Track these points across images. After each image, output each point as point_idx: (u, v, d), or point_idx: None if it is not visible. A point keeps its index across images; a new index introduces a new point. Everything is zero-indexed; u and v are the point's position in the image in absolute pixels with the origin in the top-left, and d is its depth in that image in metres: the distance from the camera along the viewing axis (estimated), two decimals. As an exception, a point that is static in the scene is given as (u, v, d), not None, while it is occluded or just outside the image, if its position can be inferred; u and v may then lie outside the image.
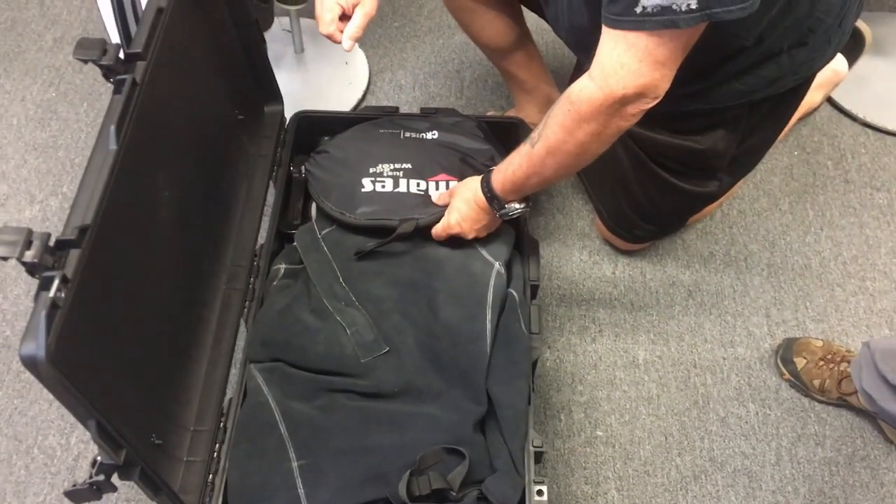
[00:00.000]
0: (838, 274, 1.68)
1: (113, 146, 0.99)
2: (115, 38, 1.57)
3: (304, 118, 1.60)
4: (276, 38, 1.97)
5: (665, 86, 1.04)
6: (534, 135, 1.17)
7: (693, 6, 0.94)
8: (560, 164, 1.16)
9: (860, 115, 1.90)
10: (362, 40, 2.08)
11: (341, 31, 1.28)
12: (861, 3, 1.29)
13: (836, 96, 1.92)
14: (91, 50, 1.03)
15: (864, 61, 1.83)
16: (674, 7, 0.95)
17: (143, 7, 1.24)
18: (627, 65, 1.01)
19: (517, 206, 1.29)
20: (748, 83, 1.27)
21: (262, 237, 1.45)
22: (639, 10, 0.96)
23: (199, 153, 1.35)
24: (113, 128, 0.99)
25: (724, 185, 1.49)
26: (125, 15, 1.54)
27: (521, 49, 1.68)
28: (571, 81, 1.57)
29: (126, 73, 1.06)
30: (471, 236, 1.33)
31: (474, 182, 1.31)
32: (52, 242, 0.86)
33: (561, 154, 1.14)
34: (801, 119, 1.88)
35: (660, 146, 1.43)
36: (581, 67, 1.41)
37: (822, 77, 1.63)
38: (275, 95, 1.63)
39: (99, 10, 1.54)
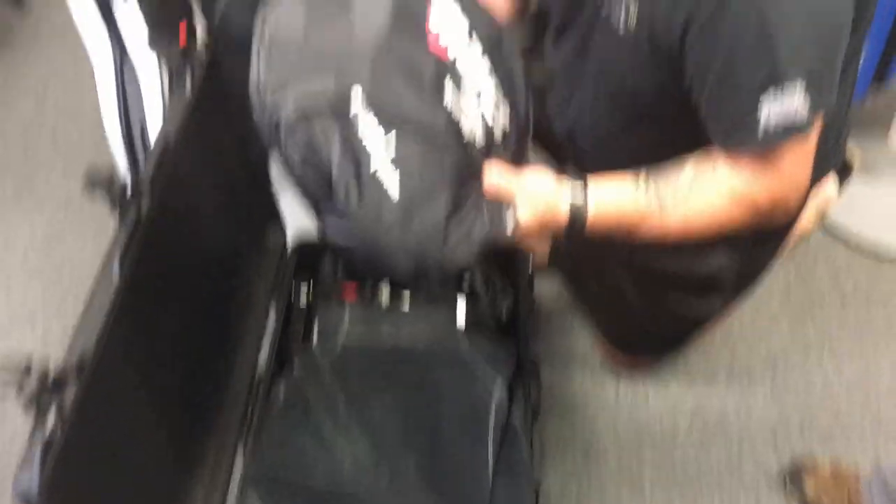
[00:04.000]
0: (842, 393, 1.66)
1: (116, 279, 1.00)
2: (122, 164, 1.61)
3: (306, 245, 1.63)
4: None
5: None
6: (658, 191, 1.07)
7: (809, 106, 0.95)
8: (686, 234, 1.09)
9: (853, 236, 1.93)
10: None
11: None
12: (850, 124, 1.33)
13: (828, 218, 1.95)
14: (100, 180, 1.06)
15: (853, 186, 1.87)
16: (796, 118, 0.95)
17: (152, 139, 1.29)
18: (781, 174, 1.01)
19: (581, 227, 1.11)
20: None
21: (263, 363, 1.45)
22: (761, 133, 0.96)
23: (200, 280, 1.37)
24: (116, 260, 1.01)
25: (727, 307, 1.49)
26: (134, 147, 1.59)
27: None
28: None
29: (132, 205, 1.08)
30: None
31: (557, 191, 1.08)
32: (50, 378, 0.87)
33: (696, 229, 1.08)
34: (795, 242, 1.90)
35: (664, 270, 1.44)
36: (582, 160, 1.37)
37: (814, 201, 1.66)
38: (277, 220, 1.66)
39: (109, 142, 1.59)
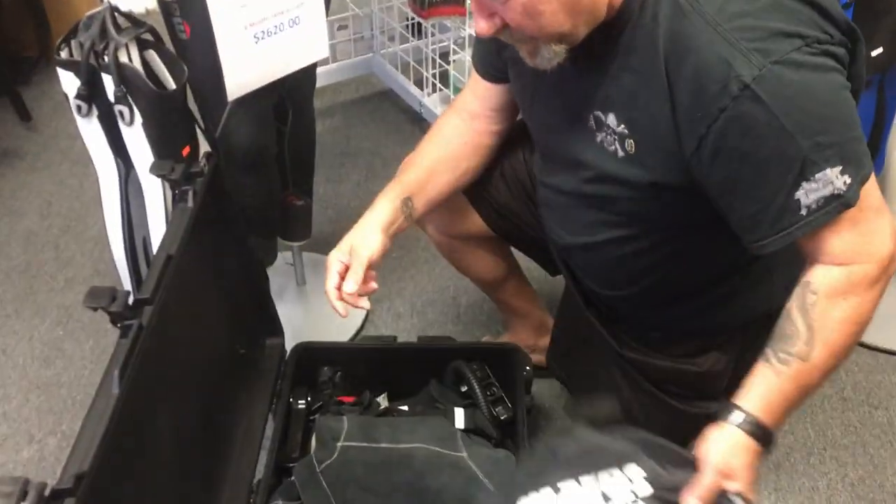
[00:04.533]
0: (847, 497, 1.64)
1: (115, 391, 1.01)
2: (125, 276, 1.64)
3: (305, 349, 1.64)
4: (279, 271, 2.05)
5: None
6: (794, 350, 1.06)
7: (850, 182, 0.98)
8: (842, 359, 1.09)
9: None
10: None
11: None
12: None
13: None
14: (101, 298, 1.08)
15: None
16: (837, 192, 0.98)
17: (154, 251, 1.32)
18: (863, 238, 1.03)
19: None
20: (759, 299, 1.31)
21: (260, 472, 1.43)
22: (804, 212, 1.00)
23: (200, 389, 1.37)
24: (117, 372, 1.02)
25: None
26: (136, 257, 1.62)
27: (511, 280, 1.75)
28: (564, 304, 1.63)
29: (133, 318, 1.10)
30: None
31: (727, 437, 1.07)
32: (48, 492, 0.86)
33: (844, 348, 1.07)
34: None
35: (659, 371, 1.45)
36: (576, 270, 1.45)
37: None
38: (276, 329, 1.68)
39: (111, 252, 1.62)
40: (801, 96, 0.97)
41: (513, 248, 1.72)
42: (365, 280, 1.30)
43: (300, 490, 1.36)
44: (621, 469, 1.04)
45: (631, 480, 1.03)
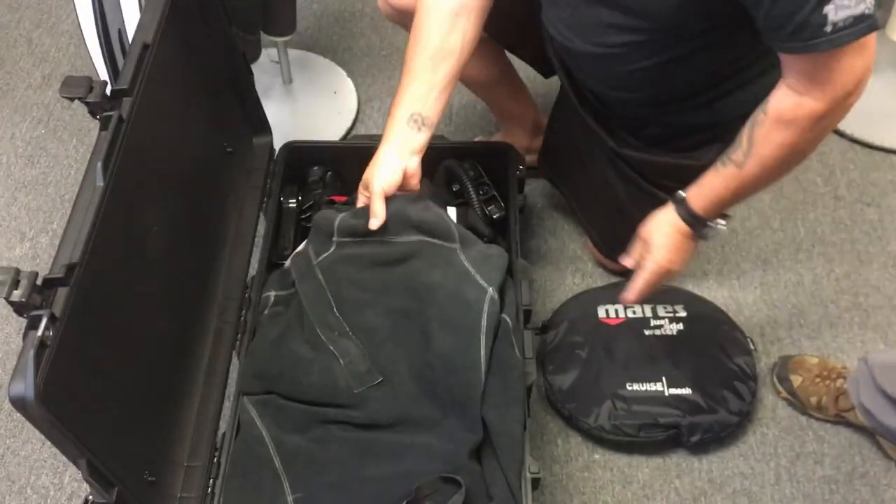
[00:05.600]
0: (831, 290, 1.68)
1: (100, 183, 0.99)
2: (102, 73, 1.57)
3: (294, 148, 1.61)
4: (265, 69, 1.98)
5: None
6: (733, 155, 1.17)
7: (874, 5, 0.96)
8: (774, 177, 1.19)
9: (848, 132, 1.91)
10: (351, 69, 2.09)
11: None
12: None
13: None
14: (77, 88, 1.03)
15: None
16: (865, 13, 0.95)
17: (130, 42, 1.25)
18: (843, 72, 1.02)
19: (721, 222, 1.28)
20: (752, 92, 1.28)
21: (253, 269, 1.44)
22: (829, 28, 0.96)
23: (187, 187, 1.35)
24: (100, 164, 1.00)
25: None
26: (112, 51, 1.55)
27: (504, 81, 1.70)
28: (559, 104, 1.59)
29: (112, 110, 1.06)
30: (679, 269, 1.31)
31: (666, 215, 1.28)
32: (39, 281, 0.86)
33: (778, 169, 1.16)
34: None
35: (657, 167, 1.43)
36: (577, 71, 1.41)
37: None
38: (263, 127, 1.64)
39: (87, 47, 1.54)
40: None
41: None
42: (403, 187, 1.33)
43: (297, 280, 1.37)
44: None
45: None
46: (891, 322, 1.63)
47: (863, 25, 0.96)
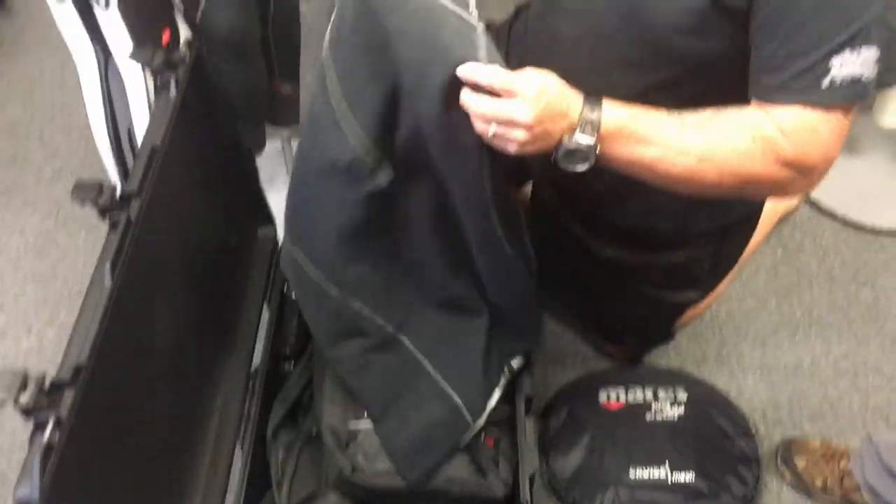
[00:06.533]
0: (830, 372, 1.68)
1: (108, 283, 1.01)
2: (111, 169, 1.62)
3: (297, 239, 1.64)
4: (270, 158, 2.03)
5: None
6: (683, 118, 0.99)
7: (874, 78, 0.94)
8: (700, 178, 0.99)
9: (839, 213, 1.95)
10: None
11: None
12: None
13: (813, 195, 1.97)
14: (88, 191, 1.07)
15: (838, 160, 1.89)
16: (863, 79, 0.94)
17: (139, 142, 1.29)
18: (819, 137, 0.97)
19: (590, 139, 0.96)
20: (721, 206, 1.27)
21: (257, 360, 1.46)
22: (826, 83, 0.93)
23: (193, 281, 1.38)
24: (108, 265, 1.02)
25: (706, 290, 1.51)
26: (122, 148, 1.59)
27: None
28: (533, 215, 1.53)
29: (121, 212, 1.09)
30: (513, 149, 0.96)
31: (561, 92, 0.96)
32: (46, 384, 0.88)
33: (712, 172, 0.99)
34: (781, 220, 1.93)
35: (639, 263, 1.44)
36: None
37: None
38: (267, 219, 1.67)
39: (96, 144, 1.59)
40: None
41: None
42: None
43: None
44: None
45: None
46: (891, 403, 1.63)
47: (857, 89, 0.94)
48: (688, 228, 1.33)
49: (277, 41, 1.82)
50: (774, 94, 0.97)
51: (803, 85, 0.95)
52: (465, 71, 0.92)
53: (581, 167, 0.98)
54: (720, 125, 0.99)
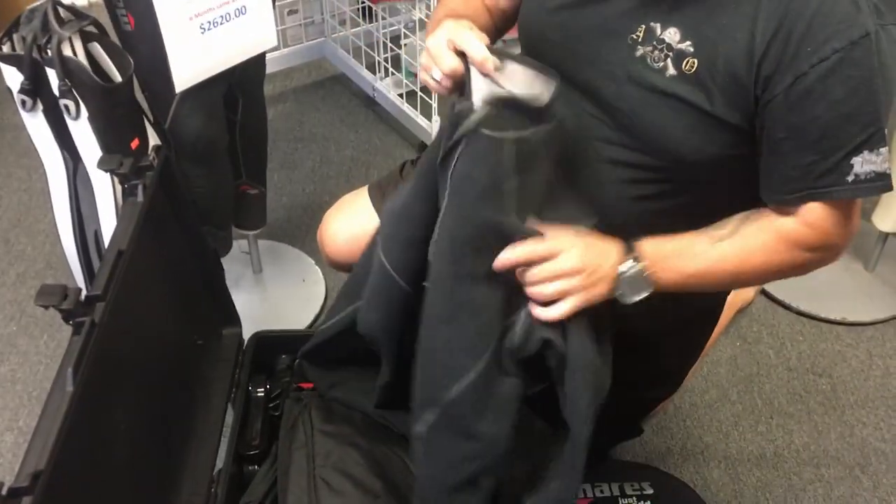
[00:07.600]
0: (793, 462, 1.70)
1: (69, 388, 1.01)
2: (77, 272, 1.63)
3: (262, 338, 1.65)
4: (235, 258, 2.05)
5: None
6: (712, 232, 1.07)
7: (887, 168, 0.99)
8: (732, 277, 1.09)
9: (794, 305, 2.01)
10: (319, 258, 2.17)
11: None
12: None
13: (768, 288, 2.03)
14: (52, 296, 1.08)
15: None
16: (886, 171, 0.98)
17: (106, 245, 1.31)
18: (843, 223, 1.02)
19: (641, 263, 1.03)
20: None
21: (220, 461, 1.44)
22: (851, 178, 0.98)
23: (156, 382, 1.38)
24: (70, 370, 1.02)
25: (676, 385, 1.52)
26: (88, 251, 1.61)
27: None
28: None
29: (85, 315, 1.10)
30: (580, 299, 1.01)
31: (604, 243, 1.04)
32: (3, 491, 0.87)
33: (744, 270, 1.07)
34: (739, 311, 1.97)
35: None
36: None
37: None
38: (233, 319, 1.68)
39: (63, 246, 1.60)
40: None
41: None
42: None
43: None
44: None
45: None
46: (854, 493, 1.65)
47: (881, 183, 0.98)
48: (655, 326, 1.35)
49: (245, 146, 1.87)
50: (798, 200, 1.02)
51: (828, 182, 0.99)
52: (503, 261, 0.99)
53: (644, 292, 1.04)
54: (747, 231, 1.06)
